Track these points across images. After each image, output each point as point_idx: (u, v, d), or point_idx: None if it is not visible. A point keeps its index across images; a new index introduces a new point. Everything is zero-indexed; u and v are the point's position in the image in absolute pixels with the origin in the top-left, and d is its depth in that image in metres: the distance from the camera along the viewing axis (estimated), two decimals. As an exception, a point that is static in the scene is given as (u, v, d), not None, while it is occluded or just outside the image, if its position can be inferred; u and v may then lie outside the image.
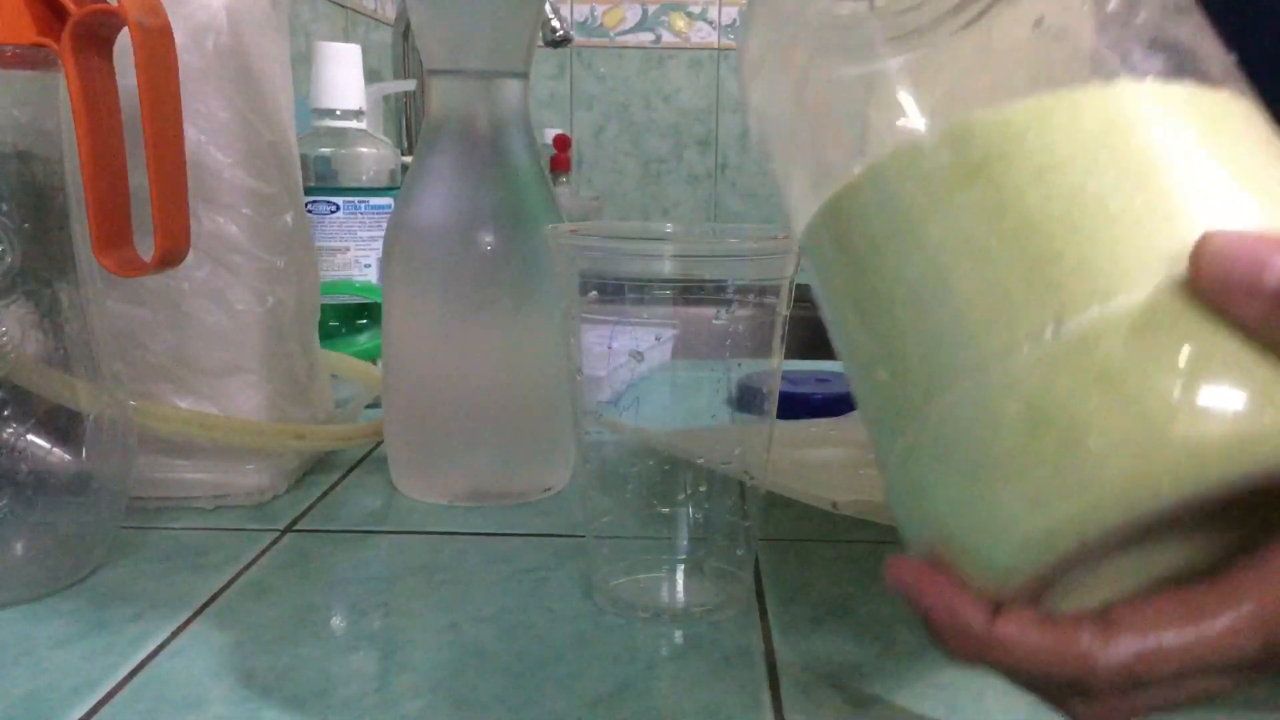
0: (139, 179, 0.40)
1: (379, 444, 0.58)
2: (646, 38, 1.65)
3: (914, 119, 0.25)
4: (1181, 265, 0.22)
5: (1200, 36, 0.25)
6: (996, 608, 0.24)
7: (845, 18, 0.27)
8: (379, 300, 0.64)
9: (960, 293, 0.24)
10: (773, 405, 0.39)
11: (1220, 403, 0.21)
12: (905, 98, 0.26)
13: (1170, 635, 0.23)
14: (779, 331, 0.39)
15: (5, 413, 0.38)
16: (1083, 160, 0.23)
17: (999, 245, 0.23)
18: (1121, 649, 0.23)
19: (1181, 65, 0.24)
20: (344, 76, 0.78)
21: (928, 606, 0.25)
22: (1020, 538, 0.23)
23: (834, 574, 0.43)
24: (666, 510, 0.39)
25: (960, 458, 0.24)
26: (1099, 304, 0.22)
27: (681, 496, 0.39)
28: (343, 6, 1.31)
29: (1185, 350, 0.21)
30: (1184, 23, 0.25)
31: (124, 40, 0.39)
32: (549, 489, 0.53)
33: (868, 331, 0.26)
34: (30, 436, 0.39)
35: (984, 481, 0.23)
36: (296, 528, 0.47)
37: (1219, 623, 0.23)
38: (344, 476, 0.55)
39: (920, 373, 0.24)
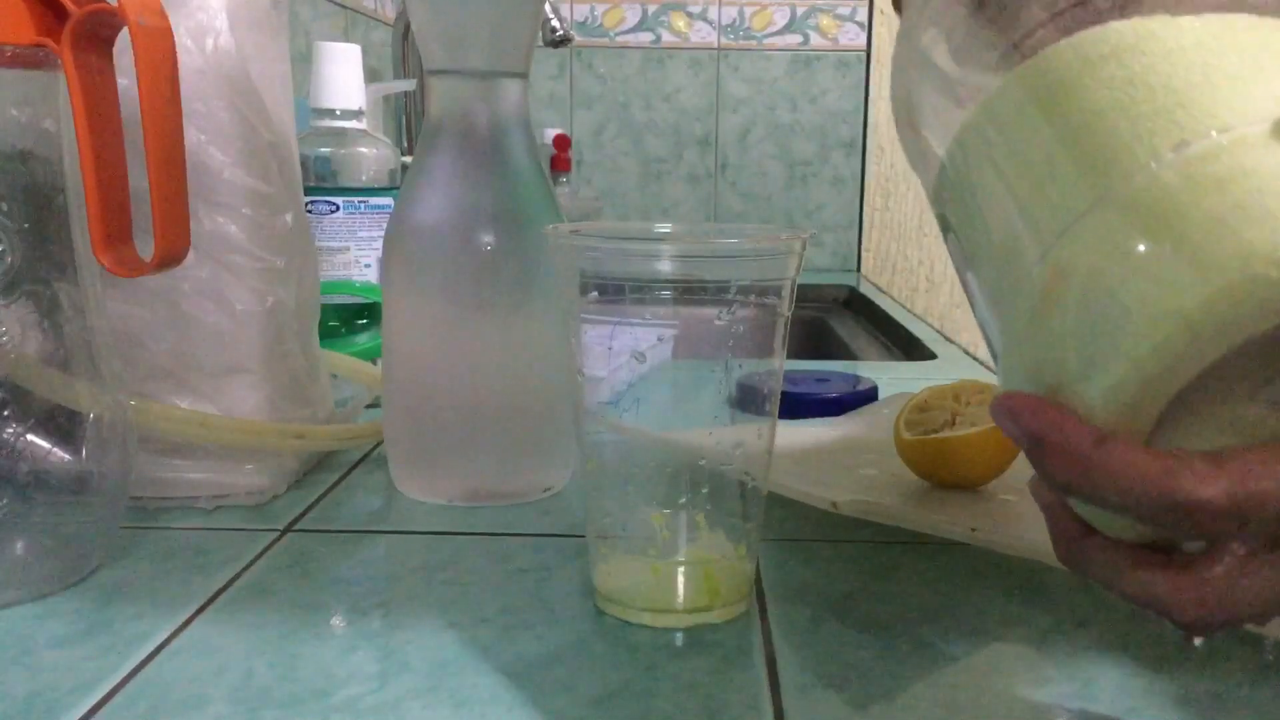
0: (139, 179, 0.40)
1: (379, 444, 0.58)
2: (646, 38, 1.65)
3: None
4: None
5: None
6: (1105, 437, 0.25)
7: None
8: (379, 300, 0.64)
9: (1086, 143, 0.27)
10: (774, 406, 0.39)
11: None
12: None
13: (1276, 475, 0.23)
14: (780, 332, 0.39)
15: (5, 413, 0.38)
16: (1204, 45, 0.27)
17: (1125, 103, 0.26)
18: (1229, 478, 0.23)
19: None
20: (344, 76, 0.78)
21: (1035, 426, 0.25)
22: (1130, 369, 0.24)
23: (834, 574, 0.43)
24: (667, 511, 0.39)
25: (1078, 287, 0.25)
26: (1218, 133, 0.25)
27: (683, 498, 0.39)
28: (343, 6, 1.31)
29: None
30: None
31: (124, 40, 0.39)
32: (549, 489, 0.53)
33: (1007, 200, 0.29)
34: (30, 436, 0.39)
35: (1100, 304, 0.25)
36: (296, 528, 0.47)
37: None
38: (344, 476, 0.55)
39: (1048, 217, 0.27)
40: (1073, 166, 0.27)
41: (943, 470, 0.47)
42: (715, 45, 1.65)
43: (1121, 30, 0.28)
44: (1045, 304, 0.26)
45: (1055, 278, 0.26)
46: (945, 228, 0.33)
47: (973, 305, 0.32)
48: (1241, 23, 0.27)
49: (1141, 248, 0.24)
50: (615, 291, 0.37)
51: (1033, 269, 0.27)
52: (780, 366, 0.39)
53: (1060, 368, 0.26)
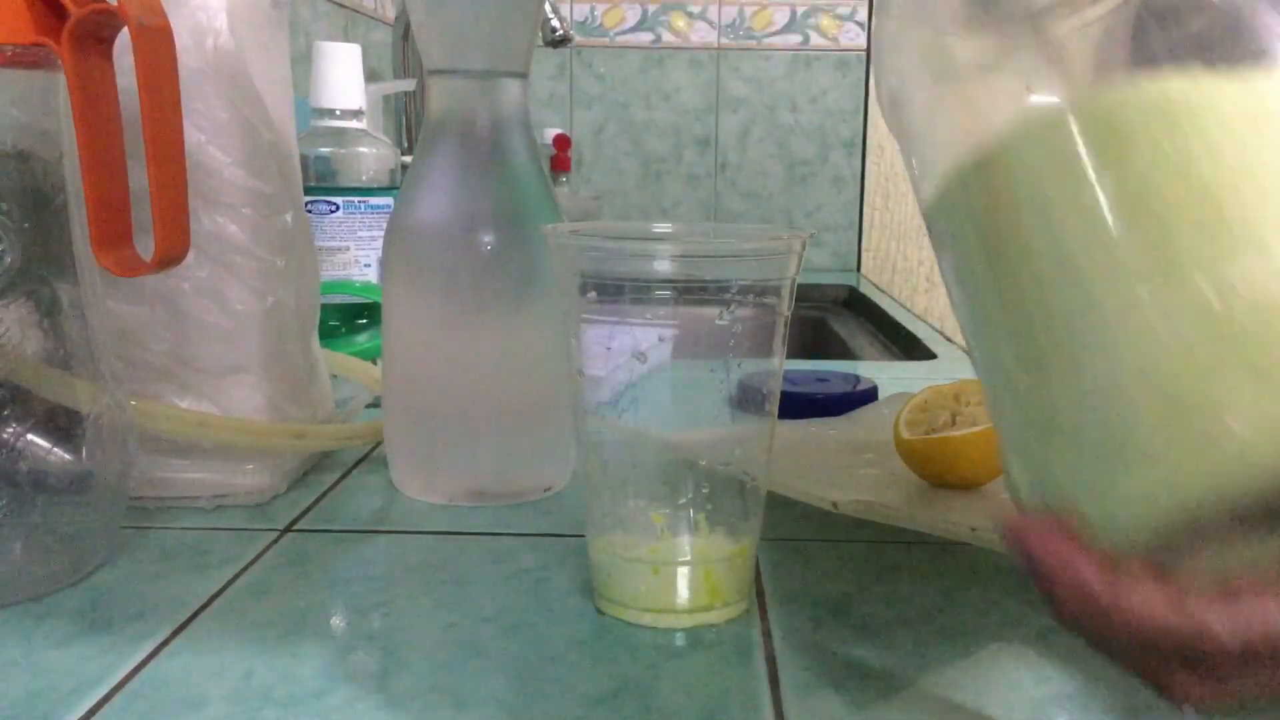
0: (139, 179, 0.40)
1: (379, 444, 0.58)
2: (646, 38, 1.65)
3: (1072, 84, 0.25)
4: None
5: None
6: (1117, 572, 0.24)
7: None
8: (379, 300, 0.64)
9: (1094, 258, 0.24)
10: (773, 405, 0.39)
11: None
12: (1059, 65, 0.26)
13: None
14: (780, 332, 0.39)
15: (5, 413, 0.38)
16: (1255, 135, 0.23)
17: (1158, 210, 0.23)
18: (1243, 619, 0.23)
19: None
20: (344, 76, 0.78)
21: (1049, 565, 0.25)
22: (1152, 506, 0.23)
23: (834, 574, 0.43)
24: (667, 511, 0.39)
25: (1087, 418, 0.24)
26: (1256, 254, 0.22)
27: (683, 498, 0.39)
28: (343, 6, 1.31)
29: None
30: None
31: (124, 40, 0.39)
32: (549, 489, 0.53)
33: (1001, 293, 0.26)
34: (30, 436, 0.39)
35: (1111, 443, 0.23)
36: (296, 528, 0.47)
37: None
38: (344, 476, 0.55)
39: (1051, 335, 0.24)
40: (1076, 285, 0.24)
41: (943, 470, 0.46)
42: (715, 45, 1.65)
43: (1139, 99, 0.24)
44: (1044, 422, 0.25)
45: (1055, 401, 0.24)
46: (937, 247, 0.30)
47: (955, 310, 0.30)
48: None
49: (1171, 386, 0.22)
50: (615, 291, 0.37)
51: (1030, 384, 0.25)
52: (780, 366, 0.39)
53: (1063, 485, 0.25)
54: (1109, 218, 0.24)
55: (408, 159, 0.61)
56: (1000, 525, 0.26)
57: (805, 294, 1.39)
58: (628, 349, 0.37)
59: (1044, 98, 0.26)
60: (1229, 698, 0.25)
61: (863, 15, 1.64)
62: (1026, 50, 0.27)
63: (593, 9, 1.65)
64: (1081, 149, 0.24)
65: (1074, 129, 0.24)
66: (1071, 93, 0.25)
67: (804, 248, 0.38)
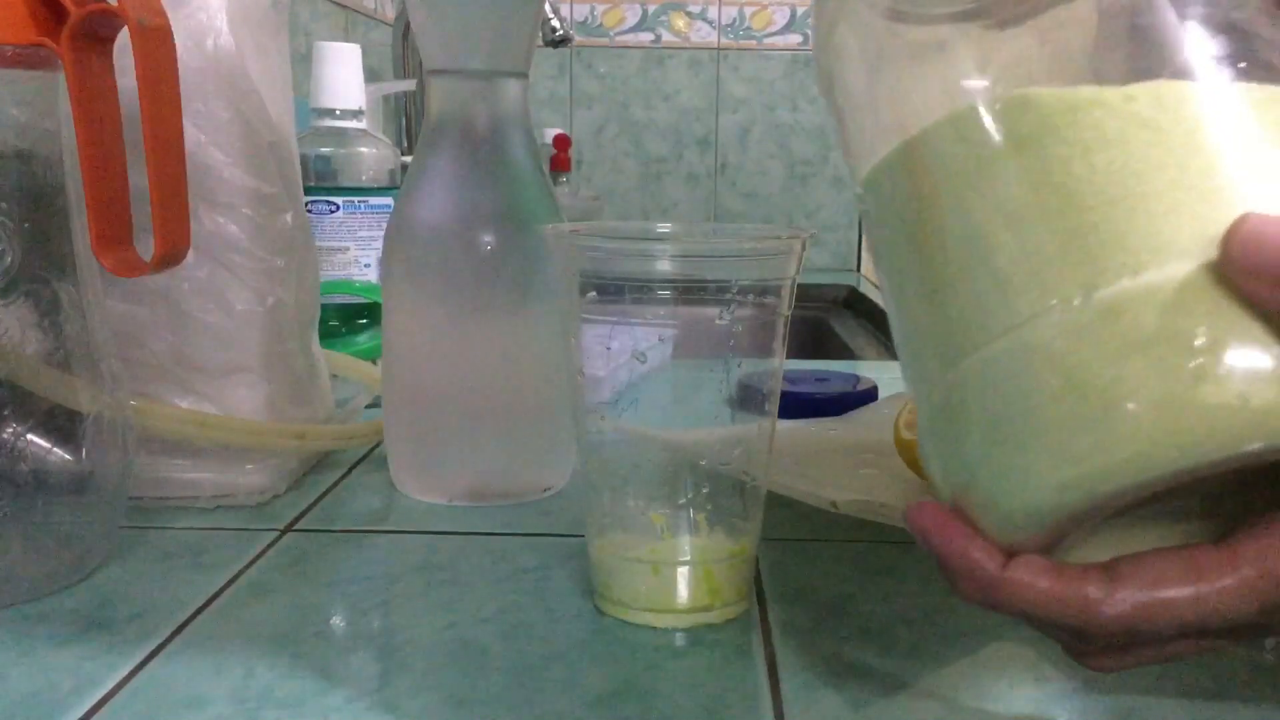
0: (139, 179, 0.40)
1: (379, 444, 0.58)
2: (646, 37, 1.65)
3: (975, 86, 0.27)
4: (1213, 248, 0.22)
5: (1261, 20, 0.26)
6: (1009, 555, 0.25)
7: None
8: (379, 300, 0.64)
9: (1000, 255, 0.25)
10: (774, 405, 0.39)
11: (1233, 380, 0.22)
12: (968, 66, 0.27)
13: (1171, 591, 0.24)
14: (780, 331, 0.39)
15: (5, 413, 0.38)
16: (1129, 141, 0.24)
17: (1040, 213, 0.24)
18: (1123, 600, 0.24)
19: (1241, 49, 0.25)
20: (344, 76, 0.78)
21: (943, 549, 0.26)
22: (1037, 490, 0.24)
23: (834, 574, 0.43)
24: (667, 511, 0.39)
25: (988, 411, 0.25)
26: (1129, 277, 0.23)
27: (683, 498, 0.39)
28: (343, 6, 1.31)
29: (1207, 329, 0.22)
30: (1247, 6, 0.26)
31: (124, 40, 0.39)
32: (549, 489, 0.53)
33: (916, 281, 0.27)
34: (30, 436, 0.39)
35: (1008, 435, 0.24)
36: (296, 528, 0.47)
37: (1219, 584, 0.24)
38: (344, 476, 0.55)
39: (959, 327, 0.26)
40: (983, 279, 0.25)
41: (943, 470, 0.46)
42: (715, 45, 1.65)
43: (1043, 105, 0.25)
44: (950, 412, 0.26)
45: (960, 391, 0.25)
46: (866, 227, 0.31)
47: (882, 294, 0.31)
48: (1170, 99, 0.24)
49: (1045, 397, 0.23)
50: (615, 291, 0.37)
51: (939, 373, 0.26)
52: (780, 366, 0.39)
53: (965, 474, 0.26)
54: (1012, 209, 0.25)
55: (408, 159, 0.61)
56: (906, 512, 0.27)
57: (805, 294, 1.39)
58: (628, 349, 0.38)
59: (964, 91, 0.27)
60: (1133, 665, 0.27)
61: (863, 15, 1.63)
62: (952, 47, 0.28)
63: (593, 9, 1.66)
64: (992, 142, 0.25)
65: (985, 124, 0.26)
66: (986, 91, 0.26)
67: (804, 248, 0.38)
